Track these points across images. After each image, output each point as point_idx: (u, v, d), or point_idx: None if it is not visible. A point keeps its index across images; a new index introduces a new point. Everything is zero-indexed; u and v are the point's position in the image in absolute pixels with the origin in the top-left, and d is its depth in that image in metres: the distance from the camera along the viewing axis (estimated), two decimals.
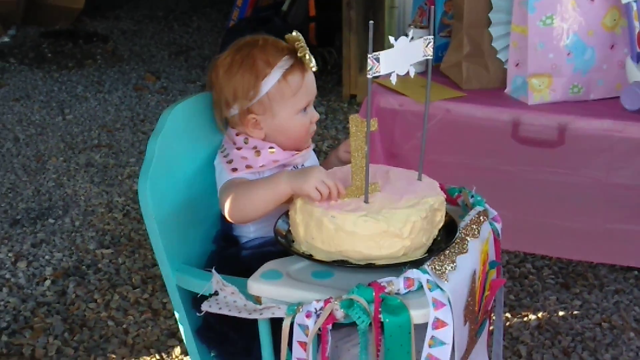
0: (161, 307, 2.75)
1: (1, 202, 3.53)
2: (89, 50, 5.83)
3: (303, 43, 1.76)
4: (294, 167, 1.82)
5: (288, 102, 1.77)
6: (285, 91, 1.76)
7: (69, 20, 6.25)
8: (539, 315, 2.67)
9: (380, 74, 1.46)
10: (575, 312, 2.69)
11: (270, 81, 1.75)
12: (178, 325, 1.82)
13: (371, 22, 1.45)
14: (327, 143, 4.10)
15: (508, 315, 2.67)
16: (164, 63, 5.54)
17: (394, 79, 1.50)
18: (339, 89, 4.83)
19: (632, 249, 2.62)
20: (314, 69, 1.78)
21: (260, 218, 1.69)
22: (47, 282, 2.91)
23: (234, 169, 1.74)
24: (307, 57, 1.75)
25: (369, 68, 1.44)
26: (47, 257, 3.09)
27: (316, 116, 1.83)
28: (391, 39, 1.49)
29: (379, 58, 1.45)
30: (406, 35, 1.51)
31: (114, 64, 5.53)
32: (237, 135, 1.80)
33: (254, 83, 1.75)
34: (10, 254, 3.10)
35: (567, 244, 2.69)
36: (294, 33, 1.77)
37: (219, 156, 1.80)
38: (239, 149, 1.78)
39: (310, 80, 1.80)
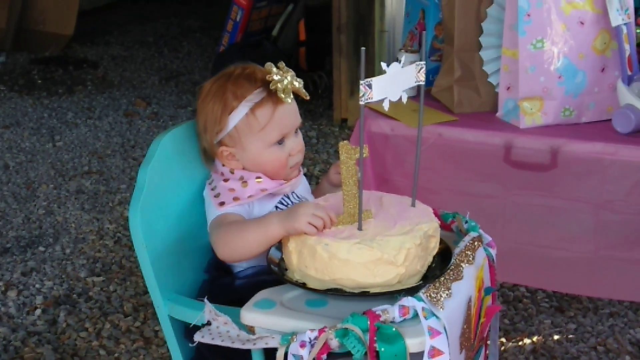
0: (153, 335, 2.72)
1: None
2: (79, 76, 5.82)
3: (278, 74, 1.71)
4: (284, 196, 1.80)
5: (257, 136, 1.74)
6: (253, 125, 1.73)
7: (59, 46, 6.26)
8: (534, 339, 2.65)
9: (373, 100, 1.45)
10: (570, 336, 2.68)
11: (237, 115, 1.73)
12: (170, 354, 1.80)
13: (363, 48, 1.44)
14: (319, 167, 4.09)
15: (503, 339, 2.65)
16: (154, 89, 5.54)
17: (386, 106, 1.49)
18: (329, 113, 4.83)
19: (625, 281, 2.61)
20: (289, 102, 1.73)
21: (253, 258, 1.67)
22: (38, 311, 2.88)
23: (221, 203, 1.72)
24: (281, 89, 1.70)
25: (361, 94, 1.44)
26: (37, 285, 3.06)
27: (297, 147, 1.79)
28: (383, 65, 1.49)
29: (371, 84, 1.44)
30: (397, 59, 1.51)
31: (104, 90, 5.52)
32: (223, 165, 1.79)
33: (220, 116, 1.73)
34: (0, 283, 3.07)
35: (559, 276, 2.67)
36: (266, 65, 1.72)
37: (207, 188, 1.78)
38: (225, 180, 1.76)
39: (283, 113, 1.74)
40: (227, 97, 1.73)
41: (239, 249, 1.64)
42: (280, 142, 1.76)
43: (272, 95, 1.73)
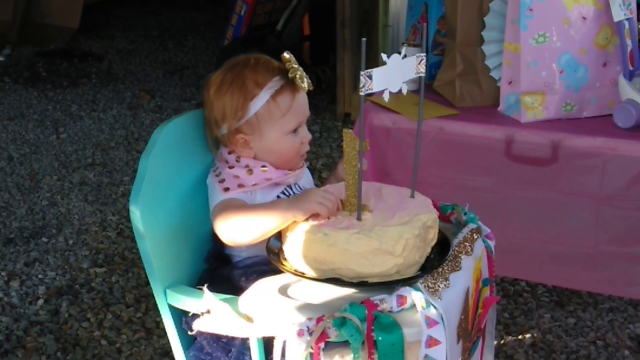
0: (155, 325, 2.74)
1: None
2: (84, 69, 5.84)
3: (295, 64, 1.75)
4: (287, 186, 1.81)
5: (277, 123, 1.76)
6: (274, 112, 1.76)
7: (64, 39, 6.27)
8: (534, 333, 2.66)
9: (373, 91, 1.46)
10: (569, 330, 2.68)
11: (259, 102, 1.75)
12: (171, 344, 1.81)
13: (363, 39, 1.45)
14: (322, 161, 4.10)
15: (503, 333, 2.66)
16: (158, 82, 5.55)
17: (386, 97, 1.50)
18: (333, 108, 4.84)
19: (624, 278, 2.61)
20: (306, 90, 1.78)
21: (255, 242, 1.67)
22: (40, 302, 2.90)
23: (226, 189, 1.73)
24: (299, 78, 1.74)
25: (361, 85, 1.44)
26: (40, 276, 3.08)
27: (308, 137, 1.83)
28: (383, 56, 1.49)
29: (371, 75, 1.45)
30: (399, 53, 1.51)
31: (108, 83, 5.53)
32: (229, 153, 1.80)
33: (242, 103, 1.75)
34: (3, 273, 3.09)
35: (558, 270, 2.68)
36: (285, 54, 1.77)
37: (211, 174, 1.80)
38: (231, 167, 1.77)
39: (301, 101, 1.79)
40: (247, 85, 1.75)
41: (245, 231, 1.65)
42: (294, 130, 1.79)
43: (290, 83, 1.76)
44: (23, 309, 2.86)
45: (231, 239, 1.68)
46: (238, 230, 1.66)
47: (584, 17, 2.52)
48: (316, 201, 1.57)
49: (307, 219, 1.57)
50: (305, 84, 1.76)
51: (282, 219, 1.60)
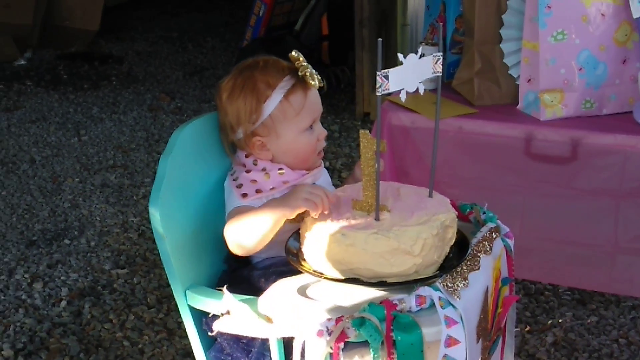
0: (176, 326, 2.75)
1: (17, 224, 3.55)
2: (104, 71, 5.88)
3: (304, 62, 1.76)
4: None
5: (292, 122, 1.77)
6: (288, 112, 1.76)
7: (84, 42, 6.32)
8: (556, 332, 2.65)
9: (390, 91, 1.46)
10: (591, 329, 2.67)
11: (272, 103, 1.76)
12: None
13: (380, 39, 1.45)
14: (341, 161, 4.10)
15: (524, 332, 2.65)
16: (178, 83, 5.58)
17: (403, 97, 1.50)
18: (352, 107, 4.84)
19: None
20: (317, 87, 1.78)
21: (260, 248, 1.67)
22: (63, 303, 2.92)
23: (244, 195, 1.74)
24: (309, 75, 1.75)
25: (378, 85, 1.45)
26: (62, 277, 3.10)
27: (324, 133, 1.83)
28: (400, 56, 1.49)
29: (387, 75, 1.45)
30: (416, 52, 1.51)
31: (128, 85, 5.56)
32: (246, 157, 1.81)
33: (255, 106, 1.76)
34: (26, 275, 3.12)
35: (578, 271, 2.67)
36: (294, 52, 1.77)
37: (228, 178, 1.80)
38: (248, 171, 1.78)
39: (313, 98, 1.79)
40: (259, 87, 1.76)
41: (244, 236, 1.65)
42: (310, 127, 1.80)
43: (300, 82, 1.77)
44: (46, 310, 2.89)
45: (234, 245, 1.68)
46: (238, 237, 1.66)
47: (602, 14, 2.51)
48: (302, 197, 1.57)
49: (308, 217, 1.58)
50: (316, 80, 1.76)
51: (273, 219, 1.61)
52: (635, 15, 2.48)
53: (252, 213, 1.66)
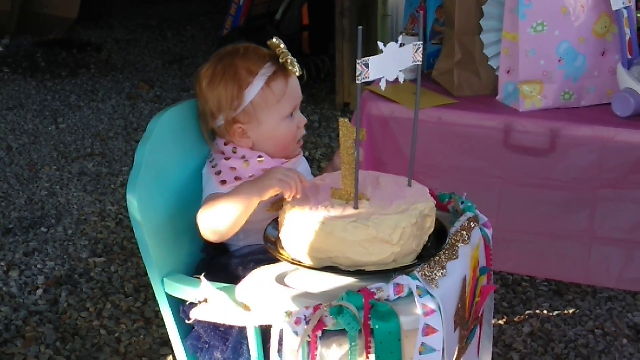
0: (153, 315, 2.74)
1: None
2: (83, 59, 5.83)
3: (284, 49, 1.75)
4: None
5: (273, 109, 1.77)
6: (269, 98, 1.76)
7: (62, 29, 6.26)
8: (532, 322, 2.66)
9: (369, 79, 1.46)
10: (568, 319, 2.69)
11: (254, 89, 1.75)
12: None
13: (359, 27, 1.44)
14: (320, 151, 4.09)
15: (501, 322, 2.66)
16: (157, 72, 5.55)
17: (383, 85, 1.50)
18: (332, 97, 4.83)
19: (622, 269, 2.62)
20: (297, 74, 1.78)
21: (233, 232, 1.66)
22: (39, 291, 2.90)
23: (223, 181, 1.73)
24: (290, 62, 1.75)
25: (357, 73, 1.44)
26: (39, 265, 3.08)
27: (303, 120, 1.83)
28: (380, 44, 1.49)
29: (367, 64, 1.45)
30: (396, 42, 1.51)
31: (107, 72, 5.53)
32: (225, 144, 1.80)
33: (237, 92, 1.75)
34: (2, 263, 3.09)
35: (554, 262, 2.68)
36: (274, 39, 1.77)
37: (207, 166, 1.79)
38: (227, 159, 1.77)
39: (294, 85, 1.79)
40: (240, 74, 1.75)
41: (215, 222, 1.64)
42: (290, 115, 1.79)
43: (281, 69, 1.76)
44: (22, 298, 2.87)
45: (207, 231, 1.66)
46: (211, 221, 1.65)
47: (582, 6, 2.52)
48: (276, 178, 1.58)
49: (287, 204, 1.58)
50: (296, 67, 1.76)
51: (247, 201, 1.60)
52: (614, 8, 2.49)
53: (225, 196, 1.65)
